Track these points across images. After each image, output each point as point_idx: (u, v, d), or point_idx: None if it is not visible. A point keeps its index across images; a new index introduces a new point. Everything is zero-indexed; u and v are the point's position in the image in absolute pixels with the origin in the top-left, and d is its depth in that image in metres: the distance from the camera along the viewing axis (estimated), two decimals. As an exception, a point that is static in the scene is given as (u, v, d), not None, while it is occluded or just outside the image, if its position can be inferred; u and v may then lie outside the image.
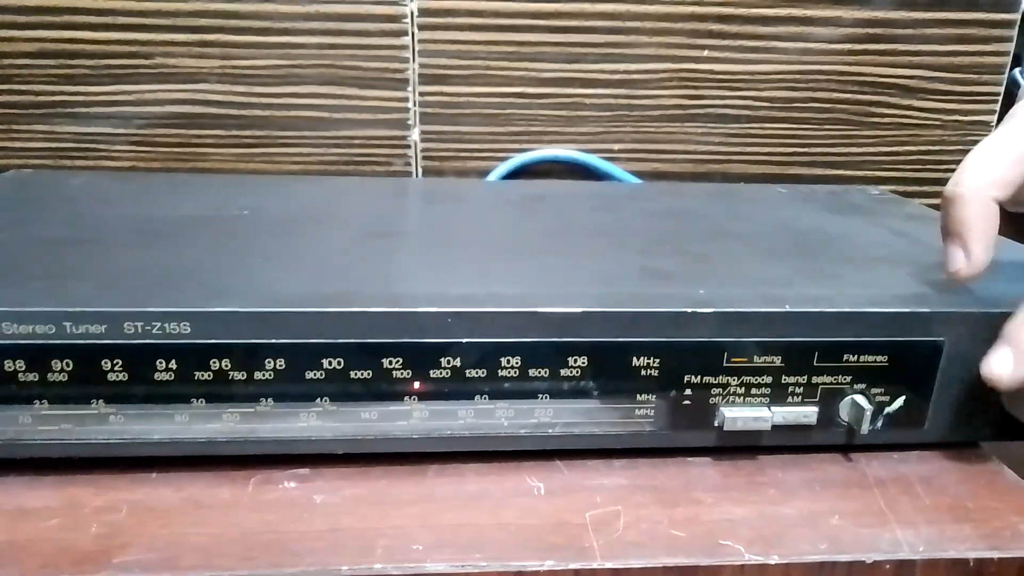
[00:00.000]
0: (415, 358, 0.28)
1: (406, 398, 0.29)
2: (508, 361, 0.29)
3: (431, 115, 0.55)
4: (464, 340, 0.28)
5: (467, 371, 0.29)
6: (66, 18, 0.51)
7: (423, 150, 0.56)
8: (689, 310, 0.29)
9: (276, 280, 0.31)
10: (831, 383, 0.30)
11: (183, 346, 0.27)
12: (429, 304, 0.28)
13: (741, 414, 0.30)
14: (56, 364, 0.27)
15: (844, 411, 0.31)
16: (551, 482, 0.30)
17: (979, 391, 0.31)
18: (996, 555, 0.27)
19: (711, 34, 0.54)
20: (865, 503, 0.29)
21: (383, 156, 0.56)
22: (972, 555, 0.27)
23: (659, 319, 0.29)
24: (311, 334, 0.28)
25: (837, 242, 0.40)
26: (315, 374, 0.28)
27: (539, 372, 0.29)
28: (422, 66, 0.54)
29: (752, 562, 0.26)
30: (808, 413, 0.30)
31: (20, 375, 0.27)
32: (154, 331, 0.27)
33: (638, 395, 0.30)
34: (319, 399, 0.28)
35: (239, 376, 0.28)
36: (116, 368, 0.27)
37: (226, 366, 0.28)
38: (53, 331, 0.27)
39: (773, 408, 0.30)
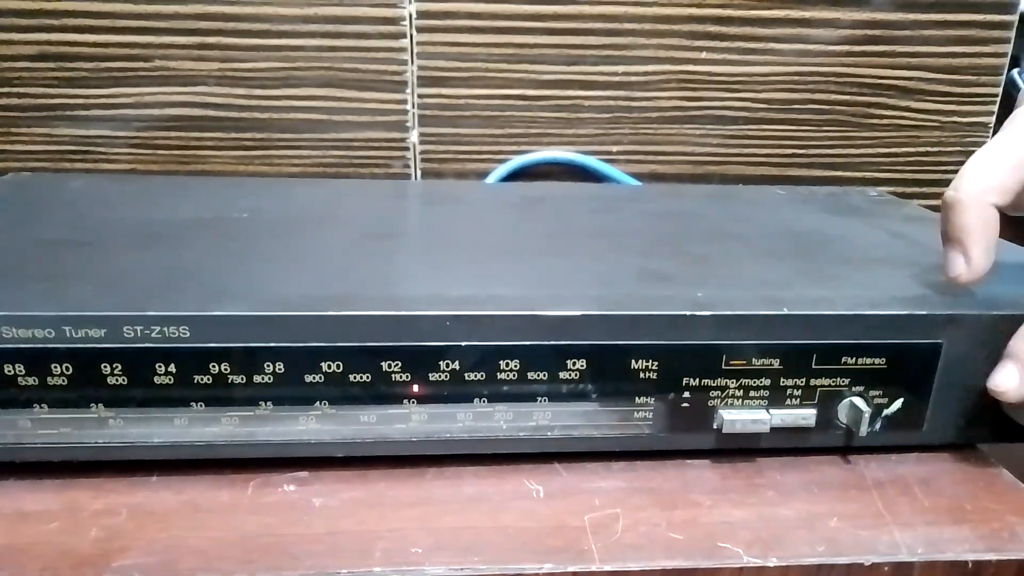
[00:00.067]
0: (414, 361, 0.28)
1: (405, 401, 0.29)
2: (507, 364, 0.29)
3: (430, 117, 0.55)
4: (463, 343, 0.28)
5: (466, 374, 0.29)
6: (65, 21, 0.51)
7: (422, 152, 0.56)
8: (688, 313, 0.29)
9: (275, 283, 0.31)
10: (829, 385, 0.30)
11: (182, 350, 0.27)
12: (428, 307, 0.28)
13: (740, 416, 0.30)
14: (56, 368, 0.27)
15: (842, 413, 0.31)
16: (550, 485, 0.30)
17: (977, 393, 0.31)
18: (994, 557, 0.27)
19: (709, 36, 0.54)
20: (863, 505, 0.29)
21: (382, 158, 0.56)
22: (970, 557, 0.27)
23: (658, 322, 0.29)
24: (310, 337, 0.28)
25: (835, 244, 0.40)
26: (314, 377, 0.28)
27: (538, 375, 0.29)
28: (421, 68, 0.54)
29: (751, 564, 0.26)
30: (806, 415, 0.30)
31: (20, 379, 0.27)
32: (153, 335, 0.27)
33: (637, 398, 0.30)
34: (318, 402, 0.29)
35: (238, 380, 0.28)
36: (115, 372, 0.27)
37: (225, 370, 0.28)
38: (53, 335, 0.27)
39: (771, 410, 0.30)
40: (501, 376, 0.29)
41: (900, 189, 0.59)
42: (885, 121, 0.58)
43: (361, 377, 0.28)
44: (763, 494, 0.30)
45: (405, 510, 0.28)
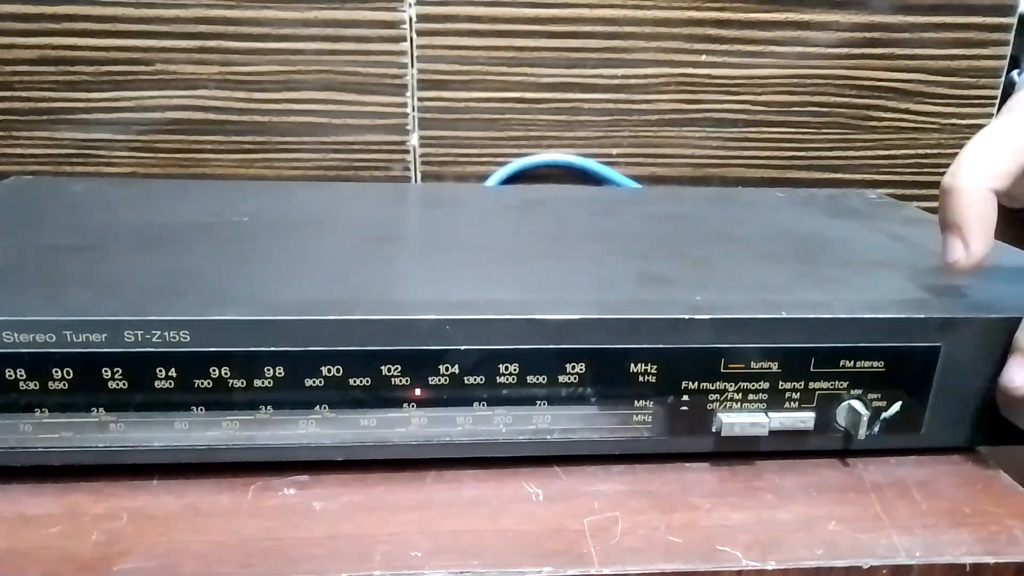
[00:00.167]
0: (413, 365, 0.28)
1: (405, 405, 0.29)
2: (506, 368, 0.29)
3: (430, 120, 0.55)
4: (462, 347, 0.28)
5: (465, 378, 0.29)
6: (66, 25, 0.51)
7: (422, 155, 0.56)
8: (687, 316, 0.29)
9: (275, 287, 0.31)
10: (828, 388, 0.30)
11: (183, 354, 0.27)
12: (427, 311, 0.28)
13: (738, 420, 0.30)
14: (56, 372, 0.27)
15: (841, 416, 0.31)
16: (549, 488, 0.30)
17: (976, 396, 0.31)
18: (992, 560, 0.27)
19: (709, 38, 0.55)
20: (862, 508, 0.29)
21: (382, 161, 0.56)
22: (968, 560, 0.27)
23: (657, 325, 0.29)
24: (310, 341, 0.28)
25: (834, 246, 0.40)
26: (314, 381, 0.28)
27: (537, 378, 0.29)
28: (421, 71, 0.54)
29: (749, 567, 0.26)
30: (805, 418, 0.30)
31: (21, 383, 0.27)
32: (154, 339, 0.27)
33: (636, 401, 0.30)
34: (318, 406, 0.29)
35: (238, 384, 0.28)
36: (116, 376, 0.27)
37: (225, 374, 0.28)
38: (53, 339, 0.27)
39: (770, 413, 0.30)
40: (501, 380, 0.29)
41: (899, 191, 0.59)
42: (884, 123, 0.58)
43: (361, 381, 0.28)
44: (762, 497, 0.30)
45: (405, 514, 0.28)
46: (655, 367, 0.29)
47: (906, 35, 0.55)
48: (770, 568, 0.26)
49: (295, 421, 0.29)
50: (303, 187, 0.51)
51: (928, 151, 0.59)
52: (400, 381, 0.28)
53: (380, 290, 0.31)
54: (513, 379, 0.29)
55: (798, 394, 0.30)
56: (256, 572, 0.25)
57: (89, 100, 0.53)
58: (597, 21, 0.54)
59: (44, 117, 0.53)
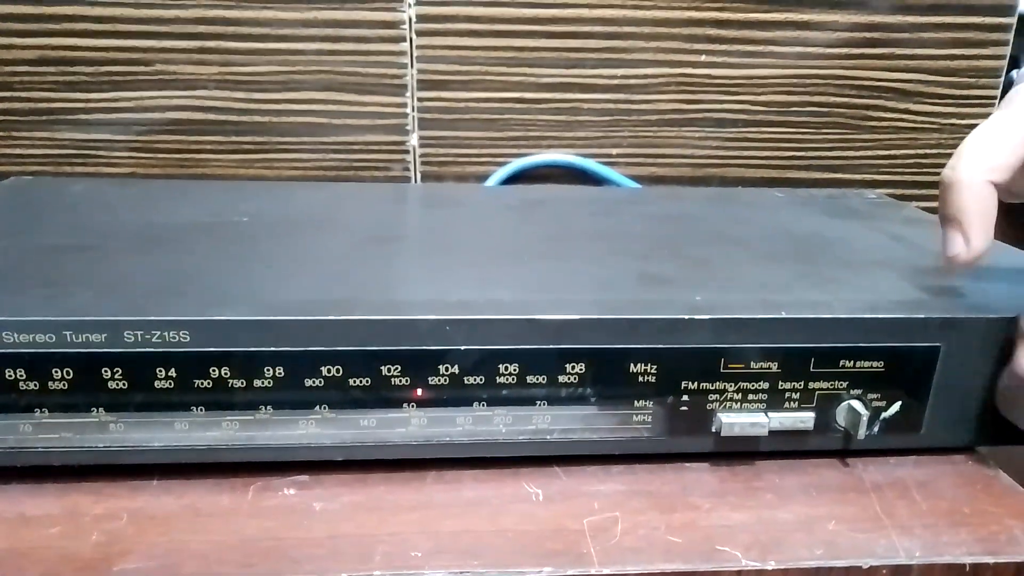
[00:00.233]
0: (413, 365, 0.28)
1: (405, 405, 0.29)
2: (506, 368, 0.29)
3: (430, 120, 0.55)
4: (462, 347, 0.28)
5: (465, 378, 0.29)
6: (66, 25, 0.51)
7: (422, 155, 0.56)
8: (686, 317, 0.29)
9: (275, 287, 0.31)
10: (828, 388, 0.30)
11: (183, 354, 0.27)
12: (427, 311, 0.28)
13: (738, 420, 0.30)
14: (56, 372, 0.27)
15: (841, 416, 0.31)
16: (549, 488, 0.30)
17: (976, 396, 0.31)
18: (992, 560, 0.27)
19: (708, 39, 0.55)
20: (862, 508, 0.29)
21: (382, 161, 0.56)
22: (968, 560, 0.27)
23: (657, 325, 0.29)
24: (310, 342, 0.28)
25: (834, 246, 0.40)
26: (314, 381, 0.28)
27: (537, 379, 0.29)
28: (420, 72, 0.54)
29: (749, 567, 0.26)
30: (805, 418, 0.30)
31: (21, 384, 0.27)
32: (154, 339, 0.27)
33: (636, 401, 0.30)
34: (318, 406, 0.29)
35: (238, 384, 0.28)
36: (116, 376, 0.27)
37: (225, 374, 0.28)
38: (53, 340, 0.27)
39: (770, 413, 0.30)
40: (500, 380, 0.29)
41: (899, 191, 0.59)
42: (884, 123, 0.58)
43: (361, 381, 0.28)
44: (762, 497, 0.30)
45: (405, 514, 0.28)
46: (655, 367, 0.29)
47: (906, 35, 0.55)
48: (770, 568, 0.26)
49: (295, 421, 0.29)
50: (303, 187, 0.51)
51: (928, 151, 0.59)
52: (400, 381, 0.29)
53: (380, 290, 0.31)
54: (513, 379, 0.29)
55: (798, 394, 0.30)
56: (256, 572, 0.25)
57: (89, 100, 0.53)
58: (596, 21, 0.54)
59: (44, 117, 0.53)
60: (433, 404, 0.29)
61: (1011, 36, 0.55)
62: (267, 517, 0.28)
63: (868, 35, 0.55)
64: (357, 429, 0.29)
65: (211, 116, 0.54)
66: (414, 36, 0.53)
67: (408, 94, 0.54)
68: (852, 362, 0.30)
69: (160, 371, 0.27)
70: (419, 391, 0.29)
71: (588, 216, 0.45)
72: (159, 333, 0.27)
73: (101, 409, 0.28)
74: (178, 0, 0.51)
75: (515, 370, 0.29)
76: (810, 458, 0.32)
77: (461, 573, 0.25)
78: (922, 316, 0.30)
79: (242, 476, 0.30)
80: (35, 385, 0.27)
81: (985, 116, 0.58)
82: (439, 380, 0.29)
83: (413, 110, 0.55)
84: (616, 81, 0.55)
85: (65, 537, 0.26)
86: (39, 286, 0.30)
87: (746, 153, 0.58)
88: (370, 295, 0.30)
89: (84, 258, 0.34)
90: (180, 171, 0.55)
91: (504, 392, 0.29)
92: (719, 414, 0.30)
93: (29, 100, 0.53)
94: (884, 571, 0.26)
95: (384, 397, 0.29)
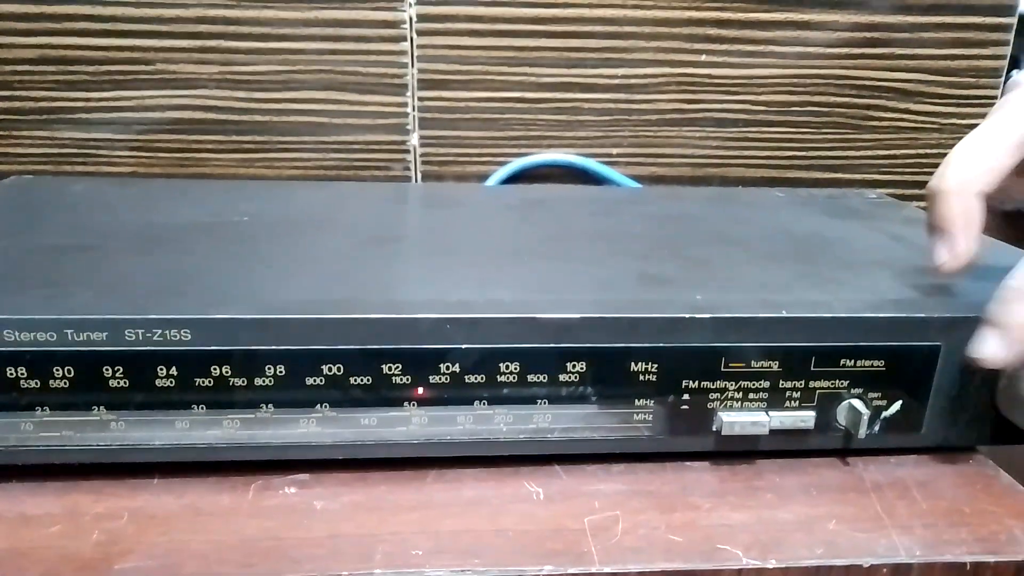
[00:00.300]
0: (414, 364, 0.28)
1: (405, 404, 0.29)
2: (507, 367, 0.29)
3: (430, 120, 0.55)
4: (463, 346, 0.28)
5: (466, 377, 0.29)
6: (67, 24, 0.51)
7: (422, 155, 0.56)
8: (687, 316, 0.29)
9: (276, 286, 0.31)
10: (828, 388, 0.31)
11: (183, 353, 0.27)
12: (428, 310, 0.28)
13: (739, 419, 0.30)
14: (57, 371, 0.27)
15: (841, 416, 0.31)
16: (550, 488, 0.30)
17: (976, 396, 0.31)
18: (992, 559, 0.27)
19: (709, 38, 0.55)
20: (862, 507, 0.29)
21: (382, 161, 0.56)
22: (968, 559, 0.27)
23: (657, 325, 0.29)
24: (311, 340, 0.28)
25: (834, 246, 0.40)
26: (315, 380, 0.28)
27: (538, 378, 0.29)
28: (421, 71, 0.54)
29: (750, 566, 0.26)
30: (805, 418, 0.30)
31: (22, 382, 0.27)
32: (155, 338, 0.27)
33: (636, 400, 0.30)
34: (319, 405, 0.29)
35: (239, 382, 0.28)
36: (117, 375, 0.27)
37: (226, 372, 0.28)
38: (54, 338, 0.27)
39: (771, 413, 0.30)
40: (501, 379, 0.29)
41: (899, 191, 0.59)
42: (884, 123, 0.58)
43: (362, 380, 0.28)
44: (762, 496, 0.30)
45: (406, 513, 0.28)
46: (655, 366, 0.29)
47: (906, 35, 0.55)
48: (770, 567, 0.26)
49: (296, 420, 0.29)
50: (303, 187, 0.51)
51: (928, 151, 0.59)
52: (401, 380, 0.29)
53: (381, 289, 0.31)
54: (514, 378, 0.29)
55: (798, 393, 0.30)
56: (257, 572, 0.25)
57: (89, 100, 0.53)
58: (597, 21, 0.54)
59: (44, 117, 0.53)
60: (434, 403, 0.29)
61: (1011, 36, 0.55)
62: (267, 516, 0.28)
63: (869, 35, 0.55)
64: (358, 428, 0.29)
65: (212, 115, 0.54)
66: (415, 35, 0.53)
67: (409, 93, 0.54)
68: (853, 361, 0.30)
69: (161, 370, 0.27)
70: (420, 390, 0.29)
71: (588, 216, 0.45)
72: (160, 332, 0.27)
73: (102, 408, 0.28)
74: (179, 0, 0.51)
75: (516, 369, 0.29)
76: (810, 457, 0.32)
77: (462, 572, 0.25)
78: (923, 316, 0.30)
79: (243, 475, 0.30)
80: (36, 384, 0.27)
81: (986, 116, 0.58)
82: (440, 379, 0.29)
83: (414, 109, 0.55)
84: (617, 81, 0.55)
85: (65, 536, 0.26)
86: (40, 285, 0.30)
87: (746, 153, 0.58)
88: (371, 294, 0.30)
89: (85, 257, 0.34)
90: (181, 170, 0.55)
91: (505, 391, 0.29)
92: (720, 413, 0.30)
93: (30, 99, 0.53)
94: (884, 570, 0.26)
95: (385, 396, 0.29)
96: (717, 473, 0.31)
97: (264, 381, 0.28)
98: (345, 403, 0.29)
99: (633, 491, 0.30)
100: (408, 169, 0.56)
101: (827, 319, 0.30)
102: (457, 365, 0.29)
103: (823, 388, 0.30)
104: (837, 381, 0.30)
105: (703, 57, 0.55)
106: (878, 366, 0.30)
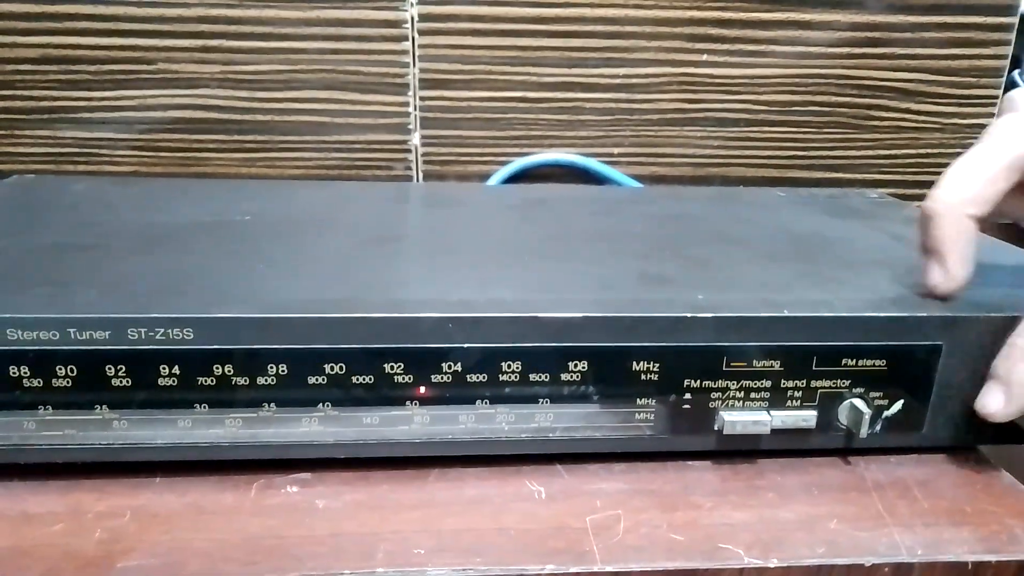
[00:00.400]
0: (416, 363, 0.28)
1: (407, 403, 0.29)
2: (509, 366, 0.29)
3: (432, 119, 0.55)
4: (465, 345, 0.28)
5: (468, 376, 0.29)
6: (68, 24, 0.51)
7: (424, 154, 0.56)
8: (688, 315, 0.29)
9: (278, 286, 0.31)
10: (830, 387, 0.31)
11: (186, 352, 0.27)
12: (430, 309, 0.28)
13: (740, 418, 0.30)
14: (60, 370, 0.27)
15: (843, 415, 0.31)
16: (551, 486, 0.30)
17: (977, 395, 0.31)
18: (993, 558, 0.27)
19: (710, 38, 0.55)
20: (863, 507, 0.29)
21: (384, 160, 0.56)
22: (970, 558, 0.27)
23: (659, 324, 0.29)
24: (313, 340, 0.28)
25: (836, 246, 0.40)
26: (317, 379, 0.28)
27: (539, 377, 0.29)
28: (423, 71, 0.54)
29: (751, 566, 0.26)
30: (807, 417, 0.30)
31: (24, 381, 0.27)
32: (157, 337, 0.27)
33: (638, 399, 0.30)
34: (321, 404, 0.29)
35: (241, 381, 0.28)
36: (120, 374, 0.27)
37: (229, 371, 0.28)
38: (57, 337, 0.27)
39: (772, 412, 0.30)
40: (503, 378, 0.29)
41: (901, 191, 0.59)
42: (885, 123, 0.58)
43: (364, 379, 0.28)
44: (763, 496, 0.30)
45: (407, 512, 0.28)
46: (657, 365, 0.29)
47: (907, 35, 0.55)
48: (772, 566, 0.26)
49: (298, 419, 0.29)
50: (305, 186, 0.51)
51: (929, 151, 0.59)
52: (403, 379, 0.29)
53: (383, 288, 0.31)
54: (515, 377, 0.29)
55: (800, 392, 0.30)
56: (259, 570, 0.25)
57: (91, 99, 0.53)
58: (599, 21, 0.54)
59: (46, 116, 0.53)
60: (436, 402, 0.29)
61: (1013, 36, 0.56)
62: (270, 515, 0.28)
63: (870, 35, 0.55)
64: (360, 427, 0.29)
65: (213, 115, 0.54)
66: (416, 35, 0.53)
67: (410, 93, 0.54)
68: (854, 361, 0.30)
69: (163, 368, 0.27)
70: (422, 389, 0.29)
71: (590, 215, 0.45)
72: (162, 330, 0.27)
73: (104, 406, 0.28)
74: (180, -1, 0.51)
75: (518, 368, 0.29)
76: (812, 457, 0.32)
77: (463, 571, 0.25)
78: (924, 315, 0.30)
79: (245, 474, 0.30)
80: (39, 382, 0.27)
81: (987, 116, 0.58)
82: (442, 378, 0.29)
83: (415, 109, 0.55)
84: (618, 80, 0.55)
85: (68, 535, 0.26)
86: (42, 284, 0.30)
87: (748, 152, 0.58)
88: (373, 293, 0.30)
89: (87, 256, 0.34)
90: (182, 170, 0.55)
91: (507, 390, 0.29)
92: (721, 412, 0.30)
93: (31, 98, 0.53)
94: (886, 569, 0.26)
95: (387, 395, 0.29)
96: (719, 472, 0.31)
97: (266, 380, 0.28)
98: (347, 402, 0.29)
99: (635, 490, 0.30)
100: (410, 169, 0.57)
101: (829, 319, 0.30)
102: (459, 364, 0.29)
103: (824, 387, 0.30)
104: (838, 380, 0.30)
105: (704, 57, 0.55)
106: (879, 365, 0.30)
